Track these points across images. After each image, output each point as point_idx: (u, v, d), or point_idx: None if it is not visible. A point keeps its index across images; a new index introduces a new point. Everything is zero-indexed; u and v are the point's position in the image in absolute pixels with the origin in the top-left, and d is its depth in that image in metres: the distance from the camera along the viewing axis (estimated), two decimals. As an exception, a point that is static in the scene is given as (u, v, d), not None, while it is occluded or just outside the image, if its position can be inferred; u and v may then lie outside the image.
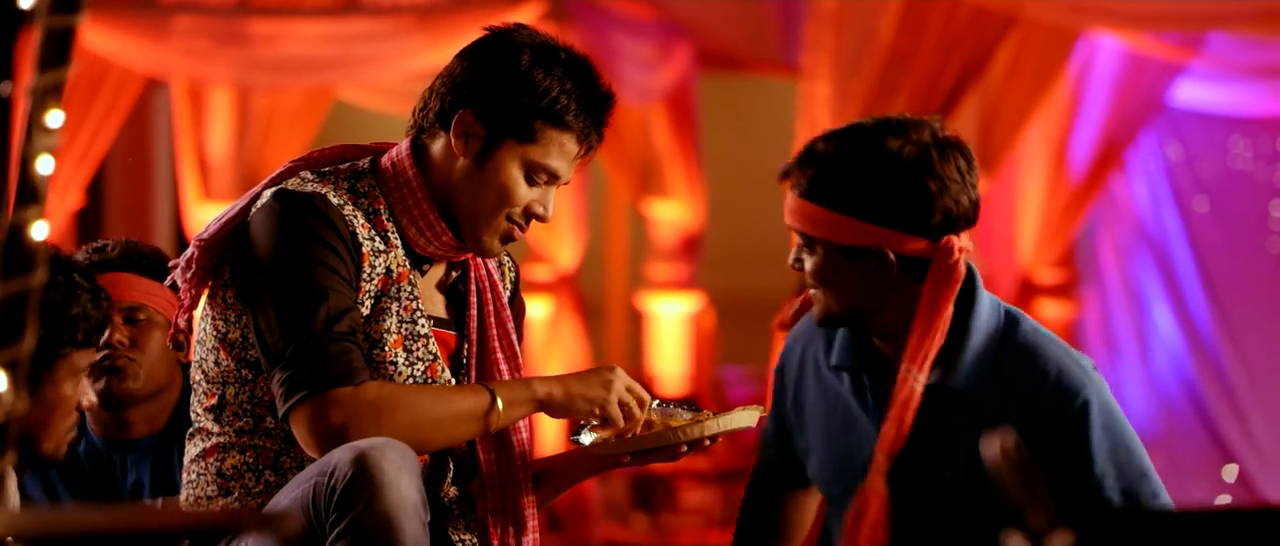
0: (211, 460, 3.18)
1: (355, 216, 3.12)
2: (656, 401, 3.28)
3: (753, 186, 13.45)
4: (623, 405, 3.17)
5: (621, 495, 10.82)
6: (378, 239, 3.16)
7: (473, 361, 3.26)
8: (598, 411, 3.17)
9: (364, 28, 9.71)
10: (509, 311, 3.32)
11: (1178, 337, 10.76)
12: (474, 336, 3.26)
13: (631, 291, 12.08)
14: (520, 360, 3.31)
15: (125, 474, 3.78)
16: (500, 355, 3.26)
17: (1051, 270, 10.75)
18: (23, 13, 2.14)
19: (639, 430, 3.19)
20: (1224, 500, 10.32)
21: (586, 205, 10.49)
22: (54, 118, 2.09)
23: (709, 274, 11.99)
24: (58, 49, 2.09)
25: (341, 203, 3.12)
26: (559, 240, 10.32)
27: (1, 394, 2.03)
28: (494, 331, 3.26)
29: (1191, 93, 10.45)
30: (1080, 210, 10.52)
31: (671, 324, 11.39)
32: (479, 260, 3.30)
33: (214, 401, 3.17)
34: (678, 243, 11.61)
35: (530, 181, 3.16)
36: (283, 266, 3.06)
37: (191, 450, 3.23)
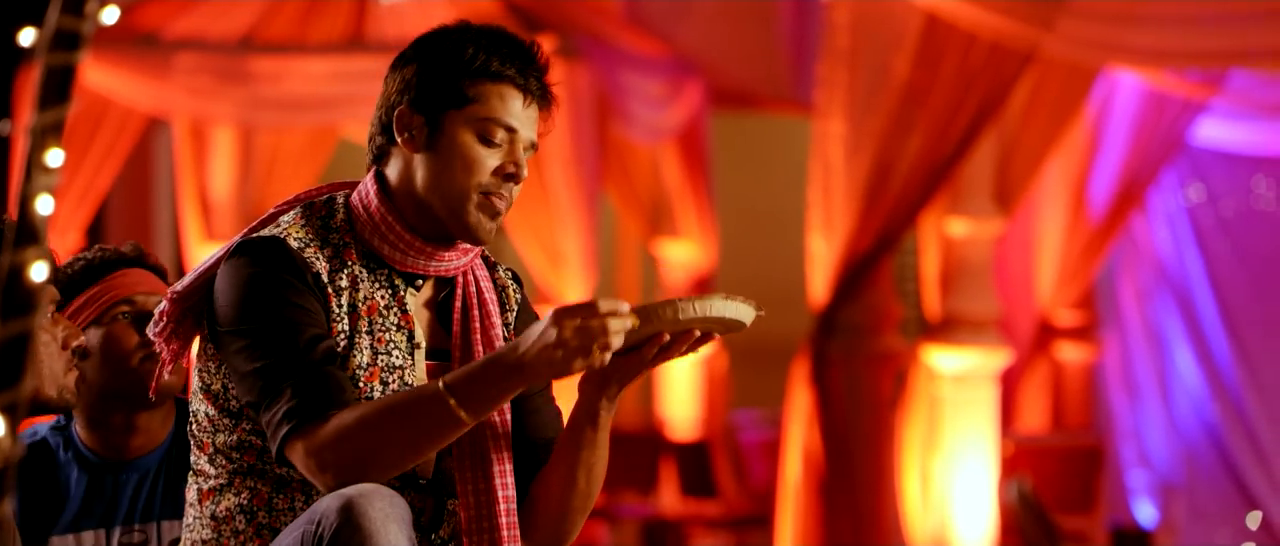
0: (207, 503, 3.22)
1: (317, 257, 3.16)
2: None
3: (765, 226, 13.44)
4: (584, 334, 2.95)
5: (631, 541, 10.71)
6: (342, 277, 3.18)
7: None
8: (575, 366, 2.97)
9: (369, 65, 9.65)
10: (499, 331, 3.26)
11: (1200, 381, 10.65)
12: (457, 358, 3.24)
13: (641, 333, 11.95)
14: None
15: (120, 494, 3.80)
16: None
17: (1071, 312, 10.67)
18: (23, 50, 2.17)
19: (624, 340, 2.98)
20: (1248, 547, 10.22)
21: (596, 245, 10.37)
22: (54, 157, 2.07)
23: (720, 316, 11.87)
24: (58, 87, 2.07)
25: (303, 244, 3.16)
26: (568, 280, 10.20)
27: (0, 438, 1.95)
28: (479, 352, 3.22)
29: (1213, 131, 10.37)
30: (1100, 251, 10.44)
31: (683, 367, 11.29)
32: (469, 278, 3.27)
33: (208, 451, 3.22)
34: (689, 283, 11.54)
35: (486, 142, 3.16)
36: (246, 314, 3.12)
37: (190, 493, 3.28)
